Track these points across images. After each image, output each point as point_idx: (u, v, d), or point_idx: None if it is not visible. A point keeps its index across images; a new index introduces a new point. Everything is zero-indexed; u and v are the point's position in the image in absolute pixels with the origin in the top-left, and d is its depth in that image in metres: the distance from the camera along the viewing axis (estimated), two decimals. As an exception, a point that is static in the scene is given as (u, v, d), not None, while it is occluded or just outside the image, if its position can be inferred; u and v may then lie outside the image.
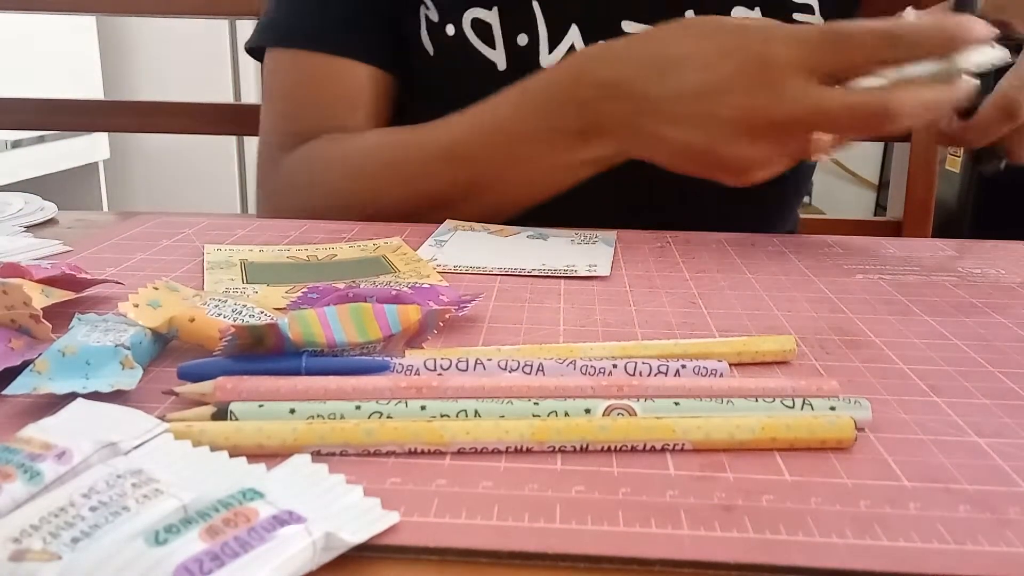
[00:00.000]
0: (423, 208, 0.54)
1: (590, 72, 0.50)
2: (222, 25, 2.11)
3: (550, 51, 0.58)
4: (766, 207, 0.67)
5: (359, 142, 0.58)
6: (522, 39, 0.58)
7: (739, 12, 0.58)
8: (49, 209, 0.54)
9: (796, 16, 0.60)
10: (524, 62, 0.58)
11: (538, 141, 0.51)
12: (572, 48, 0.58)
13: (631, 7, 0.58)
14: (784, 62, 0.44)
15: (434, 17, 0.59)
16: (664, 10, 0.54)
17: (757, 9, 0.59)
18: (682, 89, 0.46)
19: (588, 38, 0.58)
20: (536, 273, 0.43)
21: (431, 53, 0.60)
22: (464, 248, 0.48)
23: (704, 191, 0.52)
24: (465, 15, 0.58)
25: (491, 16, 0.58)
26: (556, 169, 0.52)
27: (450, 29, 0.59)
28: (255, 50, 0.64)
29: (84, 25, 1.97)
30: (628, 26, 0.58)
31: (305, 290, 0.36)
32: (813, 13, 0.60)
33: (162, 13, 0.89)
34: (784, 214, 0.70)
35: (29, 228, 0.51)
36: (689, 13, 0.56)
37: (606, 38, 0.56)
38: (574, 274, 0.43)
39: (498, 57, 0.58)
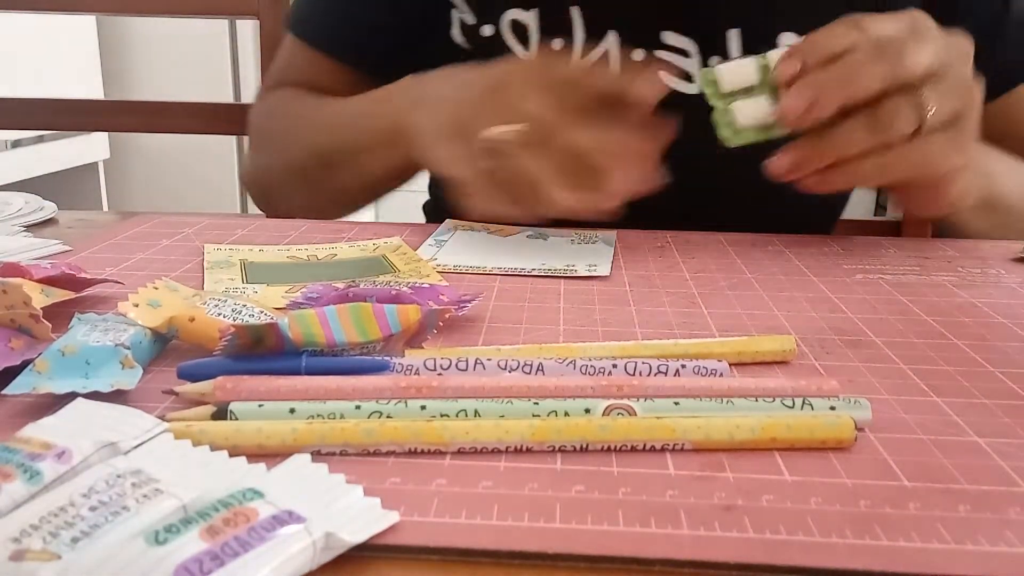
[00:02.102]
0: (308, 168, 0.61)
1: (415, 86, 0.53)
2: (222, 25, 2.11)
3: (583, 56, 0.57)
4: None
5: (288, 102, 0.67)
6: (557, 42, 0.58)
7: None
8: (49, 209, 0.54)
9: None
10: None
11: (358, 131, 0.57)
12: (606, 55, 0.57)
13: (671, 18, 0.57)
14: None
15: (470, 20, 0.60)
16: (705, 24, 0.54)
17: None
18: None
19: (626, 46, 0.57)
20: (536, 273, 0.43)
21: (467, 48, 0.60)
22: (464, 248, 0.48)
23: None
24: (504, 16, 0.58)
25: (529, 17, 0.58)
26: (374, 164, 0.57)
27: (487, 30, 0.59)
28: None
29: (84, 25, 1.97)
30: (668, 37, 0.57)
31: (305, 290, 0.36)
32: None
33: (162, 13, 0.89)
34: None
35: (29, 228, 0.51)
36: (734, 32, 0.56)
37: (645, 47, 0.56)
38: (574, 274, 0.43)
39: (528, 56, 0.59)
